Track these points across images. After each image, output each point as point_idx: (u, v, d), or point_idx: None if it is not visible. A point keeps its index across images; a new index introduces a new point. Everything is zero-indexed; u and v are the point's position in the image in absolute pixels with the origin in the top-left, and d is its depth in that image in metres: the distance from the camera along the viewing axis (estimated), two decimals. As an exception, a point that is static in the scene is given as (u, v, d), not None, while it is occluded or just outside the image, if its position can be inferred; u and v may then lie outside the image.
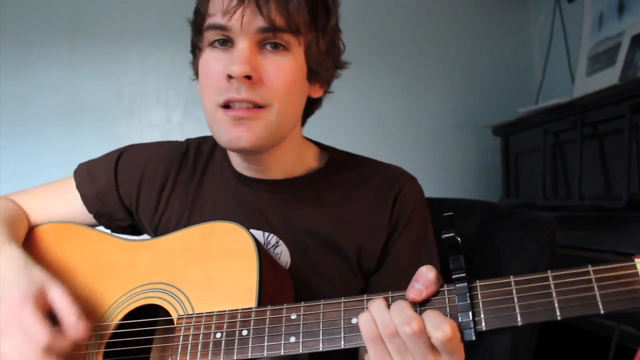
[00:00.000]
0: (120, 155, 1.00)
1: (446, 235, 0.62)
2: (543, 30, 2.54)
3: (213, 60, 0.81)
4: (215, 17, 0.80)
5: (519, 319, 0.59)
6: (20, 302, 0.72)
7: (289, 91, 0.82)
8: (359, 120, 2.46)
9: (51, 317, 0.75)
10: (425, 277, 0.64)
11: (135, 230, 1.03)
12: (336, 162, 0.95)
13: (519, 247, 0.99)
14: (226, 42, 0.81)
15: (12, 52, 2.23)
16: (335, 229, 0.88)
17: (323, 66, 0.86)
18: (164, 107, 2.35)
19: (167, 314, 0.80)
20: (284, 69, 0.80)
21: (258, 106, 0.80)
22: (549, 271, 0.60)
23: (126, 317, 0.81)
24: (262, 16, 0.77)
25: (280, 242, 0.88)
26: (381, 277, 0.89)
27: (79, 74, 2.29)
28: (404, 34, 2.54)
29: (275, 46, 0.79)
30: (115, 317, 0.81)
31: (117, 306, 0.82)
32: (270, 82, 0.79)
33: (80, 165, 1.01)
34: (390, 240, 0.88)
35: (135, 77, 2.33)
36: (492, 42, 2.61)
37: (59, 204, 0.98)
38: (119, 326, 0.81)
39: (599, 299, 0.56)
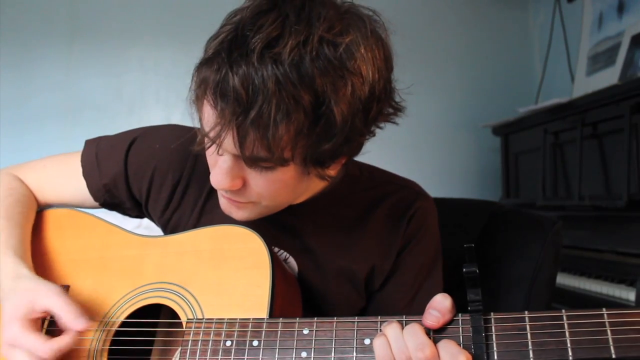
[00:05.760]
0: (131, 144, 0.93)
1: (468, 270, 0.64)
2: (543, 30, 2.54)
3: (208, 150, 0.76)
4: (203, 123, 0.73)
5: (531, 355, 0.60)
6: (11, 323, 0.73)
7: (281, 194, 0.77)
8: (359, 120, 2.45)
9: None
10: (441, 304, 0.65)
11: (144, 216, 0.99)
12: (353, 179, 0.91)
13: (524, 247, 0.99)
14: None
15: (12, 51, 2.23)
16: (348, 252, 0.87)
17: (326, 153, 0.72)
18: (164, 106, 2.34)
19: (170, 313, 0.79)
20: (271, 183, 0.73)
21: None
22: (563, 310, 0.61)
23: (132, 314, 0.80)
24: (240, 148, 0.68)
25: (290, 258, 0.87)
26: (384, 293, 0.88)
27: (79, 73, 2.29)
28: (403, 33, 2.54)
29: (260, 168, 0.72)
30: (121, 314, 0.80)
31: (123, 303, 0.81)
32: (257, 190, 0.75)
33: (89, 148, 0.95)
34: (399, 257, 0.87)
35: (135, 76, 2.33)
36: (492, 42, 2.61)
37: (67, 188, 0.95)
38: (125, 324, 0.80)
39: (611, 343, 0.57)
